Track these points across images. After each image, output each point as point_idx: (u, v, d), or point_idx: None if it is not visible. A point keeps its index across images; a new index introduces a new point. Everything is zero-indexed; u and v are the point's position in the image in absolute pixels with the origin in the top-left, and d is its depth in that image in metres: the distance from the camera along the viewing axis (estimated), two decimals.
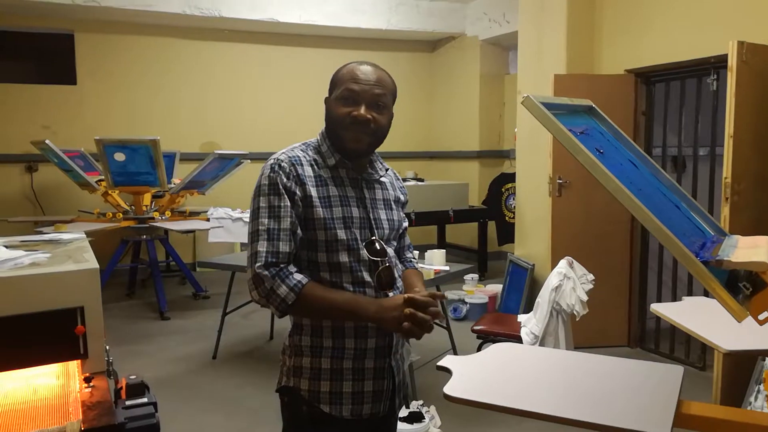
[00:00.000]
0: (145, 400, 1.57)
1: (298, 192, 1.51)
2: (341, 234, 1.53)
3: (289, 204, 1.50)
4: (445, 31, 7.98)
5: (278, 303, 1.47)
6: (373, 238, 1.58)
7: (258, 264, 1.47)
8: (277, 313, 1.50)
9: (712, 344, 1.85)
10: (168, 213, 6.17)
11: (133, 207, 6.02)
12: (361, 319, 1.52)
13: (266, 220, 1.49)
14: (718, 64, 3.88)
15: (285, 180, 1.51)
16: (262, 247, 1.48)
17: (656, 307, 2.25)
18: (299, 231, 1.52)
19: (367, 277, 1.56)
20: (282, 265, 1.48)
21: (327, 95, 1.63)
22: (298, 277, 1.49)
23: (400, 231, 1.74)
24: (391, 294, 1.58)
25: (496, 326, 3.82)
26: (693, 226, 1.54)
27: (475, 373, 1.66)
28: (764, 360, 2.96)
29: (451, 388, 1.54)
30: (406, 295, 1.48)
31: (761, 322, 1.30)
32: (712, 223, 1.61)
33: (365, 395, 1.57)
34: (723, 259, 1.27)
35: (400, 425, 2.94)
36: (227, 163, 6.13)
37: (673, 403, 1.44)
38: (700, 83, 4.22)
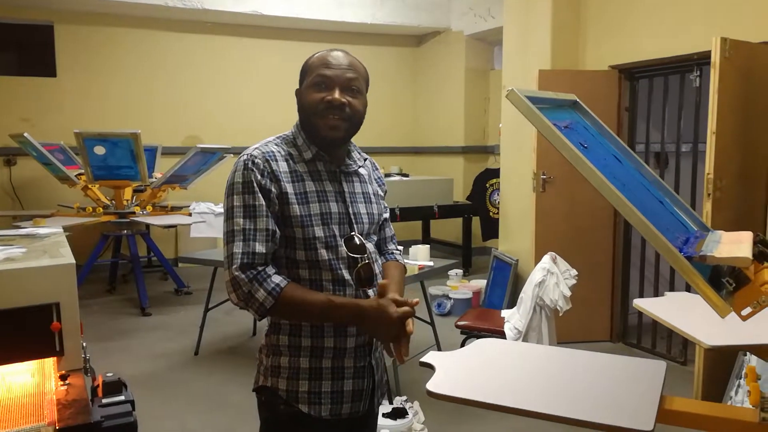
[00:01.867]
0: (122, 398, 1.53)
1: (273, 189, 1.47)
2: (319, 231, 1.49)
3: (264, 203, 1.45)
4: (431, 26, 7.95)
5: (257, 307, 1.43)
6: (353, 233, 1.54)
7: (234, 266, 1.43)
8: (257, 316, 1.46)
9: (694, 339, 1.85)
10: (149, 207, 6.09)
11: (113, 201, 5.94)
12: (339, 324, 1.51)
13: (241, 220, 1.45)
14: (701, 60, 3.90)
15: (259, 177, 1.46)
16: (238, 248, 1.43)
17: (639, 303, 2.25)
18: (277, 230, 1.47)
19: (346, 274, 1.52)
20: (260, 268, 1.43)
21: (298, 87, 1.59)
22: (277, 279, 1.44)
23: (380, 223, 1.70)
24: (370, 292, 1.56)
25: (479, 322, 3.82)
26: (676, 221, 1.54)
27: (458, 369, 1.65)
28: (745, 355, 2.98)
29: (434, 385, 1.53)
30: (389, 297, 1.46)
31: (744, 318, 1.30)
32: (696, 218, 1.61)
33: (344, 395, 1.54)
34: (707, 255, 1.26)
35: (383, 421, 2.92)
36: (209, 157, 6.07)
37: (656, 399, 1.44)
38: (683, 79, 4.24)
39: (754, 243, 1.37)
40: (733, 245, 1.34)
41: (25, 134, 5.57)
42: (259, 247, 1.44)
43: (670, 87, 4.38)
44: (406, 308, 1.47)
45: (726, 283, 1.29)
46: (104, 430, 1.43)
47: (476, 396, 1.49)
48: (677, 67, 4.22)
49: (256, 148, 1.52)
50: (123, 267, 6.71)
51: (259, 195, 1.45)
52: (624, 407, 1.42)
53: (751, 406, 1.41)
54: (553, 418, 1.37)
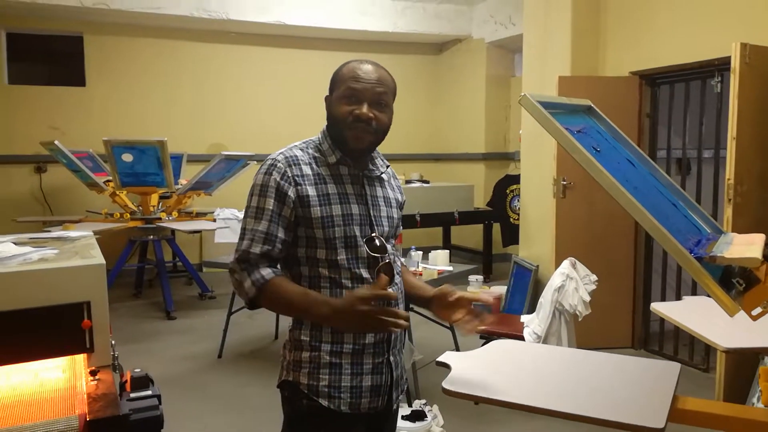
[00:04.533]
0: (149, 392, 1.59)
1: (290, 194, 1.54)
2: (339, 231, 1.56)
3: (273, 208, 1.54)
4: (452, 34, 8.00)
5: (244, 295, 1.56)
6: (373, 234, 1.60)
7: (233, 258, 1.57)
8: (246, 304, 1.58)
9: (710, 342, 1.87)
10: (175, 213, 6.21)
11: (140, 207, 6.07)
12: (315, 319, 1.55)
13: (252, 220, 1.56)
14: (722, 66, 3.89)
15: (279, 180, 1.54)
16: (242, 245, 1.56)
17: (656, 307, 2.26)
18: (281, 234, 1.54)
19: (365, 273, 1.58)
20: (253, 262, 1.54)
21: (327, 93, 1.65)
22: (264, 272, 1.53)
23: (397, 232, 1.75)
24: (390, 290, 1.60)
25: (499, 327, 3.83)
26: (690, 224, 1.56)
27: (473, 369, 1.69)
28: (762, 360, 2.96)
29: (449, 383, 1.56)
30: (359, 294, 1.45)
31: (755, 318, 1.32)
32: (710, 221, 1.63)
33: (363, 390, 1.59)
34: (716, 255, 1.29)
35: (403, 423, 2.96)
36: (234, 164, 6.18)
37: (668, 398, 1.46)
38: (704, 85, 4.23)
39: (766, 245, 1.39)
40: (744, 246, 1.36)
41: (56, 142, 5.73)
42: (256, 248, 1.54)
43: (691, 93, 4.37)
44: (370, 300, 1.43)
45: (736, 284, 1.31)
46: (132, 422, 1.49)
47: (491, 394, 1.52)
48: (698, 72, 4.21)
49: (281, 153, 1.60)
50: (149, 272, 6.84)
51: (271, 199, 1.54)
52: (636, 406, 1.44)
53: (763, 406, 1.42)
54: (566, 416, 1.40)
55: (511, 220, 7.02)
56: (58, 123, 6.95)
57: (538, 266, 5.07)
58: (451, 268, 4.12)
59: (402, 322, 1.44)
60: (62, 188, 6.98)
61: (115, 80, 7.21)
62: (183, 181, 6.45)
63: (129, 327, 5.27)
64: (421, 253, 4.15)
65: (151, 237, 6.06)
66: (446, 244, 7.53)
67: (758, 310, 1.32)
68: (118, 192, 5.90)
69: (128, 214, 6.04)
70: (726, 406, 1.46)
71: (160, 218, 6.01)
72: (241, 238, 1.57)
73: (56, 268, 1.74)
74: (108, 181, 5.95)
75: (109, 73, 7.19)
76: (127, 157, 5.52)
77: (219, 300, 6.13)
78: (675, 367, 1.67)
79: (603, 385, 1.58)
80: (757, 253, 1.29)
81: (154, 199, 6.11)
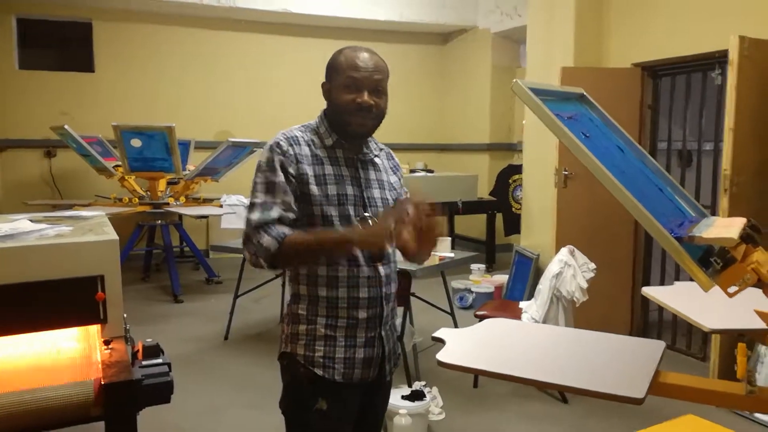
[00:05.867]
0: (160, 360, 1.68)
1: (291, 171, 1.64)
2: (334, 210, 1.66)
3: (281, 180, 1.63)
4: (457, 24, 8.05)
5: (263, 253, 1.59)
6: (366, 214, 1.70)
7: (248, 228, 1.62)
8: (266, 264, 1.61)
9: (696, 323, 1.94)
10: (182, 199, 6.31)
11: (148, 192, 6.17)
12: (338, 253, 1.63)
13: (262, 194, 1.63)
14: (723, 58, 3.93)
15: (282, 158, 1.64)
16: (256, 216, 1.61)
17: (647, 291, 2.33)
18: (293, 203, 1.63)
19: (358, 252, 1.67)
20: (270, 225, 1.60)
21: (324, 80, 1.73)
22: (284, 229, 1.60)
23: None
24: (381, 268, 1.71)
25: (498, 312, 3.91)
26: (674, 208, 1.63)
27: (467, 344, 1.77)
28: (759, 347, 3.04)
29: (444, 355, 1.65)
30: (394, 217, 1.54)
31: (731, 295, 1.40)
32: (695, 206, 1.70)
33: (356, 361, 1.69)
34: (695, 235, 1.36)
35: (402, 402, 3.05)
36: (240, 151, 6.26)
37: (650, 372, 1.54)
38: (705, 78, 4.28)
39: (745, 227, 1.46)
40: (723, 228, 1.44)
41: (66, 126, 5.83)
42: (274, 214, 1.61)
43: (692, 85, 4.42)
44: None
45: (713, 263, 1.39)
46: (144, 387, 1.58)
47: (483, 366, 1.60)
48: (699, 65, 4.26)
49: (282, 133, 1.70)
50: (156, 256, 6.95)
51: (280, 173, 1.63)
52: (621, 378, 1.52)
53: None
54: (554, 386, 1.49)
55: (514, 209, 7.09)
56: (68, 108, 7.05)
57: (538, 255, 5.15)
58: (452, 255, 4.20)
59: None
60: (71, 173, 7.09)
61: (123, 66, 7.29)
62: (191, 167, 6.54)
63: (137, 309, 5.38)
64: None
65: (159, 222, 6.16)
66: (450, 233, 7.60)
67: (734, 288, 1.39)
68: (126, 177, 6.01)
69: (137, 199, 6.14)
70: (703, 380, 1.54)
71: (167, 203, 6.11)
72: (255, 210, 1.62)
73: (72, 242, 1.83)
74: (117, 165, 6.05)
75: (118, 60, 7.28)
76: (136, 143, 5.61)
77: (225, 284, 6.23)
78: (659, 345, 1.74)
79: (590, 360, 1.66)
80: (734, 234, 1.37)
81: (162, 184, 6.20)
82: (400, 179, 1.87)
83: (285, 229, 1.61)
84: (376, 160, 1.80)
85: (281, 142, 1.66)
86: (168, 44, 7.45)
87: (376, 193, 1.75)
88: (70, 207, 5.65)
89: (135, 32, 7.31)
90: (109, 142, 6.37)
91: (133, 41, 7.32)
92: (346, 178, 1.70)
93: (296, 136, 1.69)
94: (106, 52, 7.24)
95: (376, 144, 1.83)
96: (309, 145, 1.69)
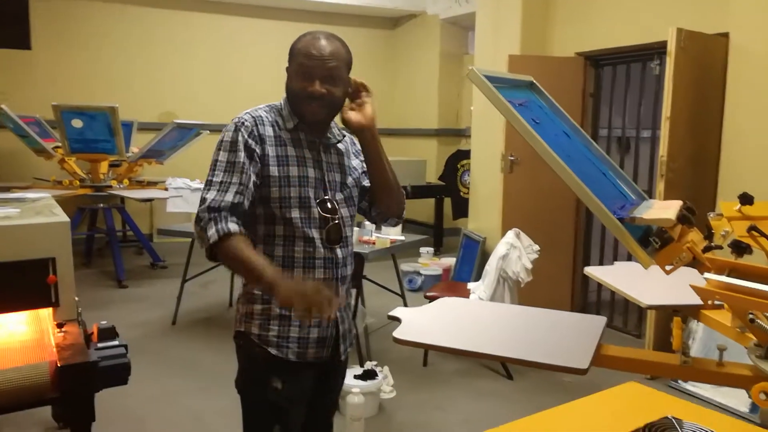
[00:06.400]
0: (116, 342, 1.68)
1: (257, 150, 1.64)
2: (294, 192, 1.66)
3: (245, 161, 1.61)
4: (406, 9, 8.08)
5: (206, 242, 1.56)
6: (326, 197, 1.72)
7: (201, 207, 1.59)
8: (206, 254, 1.60)
9: (633, 299, 2.06)
10: (126, 182, 6.15)
11: (89, 175, 5.98)
12: (261, 280, 1.55)
13: (221, 173, 1.61)
14: (661, 49, 4.10)
15: (246, 137, 1.63)
16: (211, 195, 1.59)
17: (590, 270, 2.46)
18: (251, 187, 1.62)
19: (315, 233, 1.68)
20: (223, 212, 1.58)
21: (287, 64, 1.73)
22: (231, 226, 1.56)
23: (363, 190, 1.87)
24: (338, 250, 1.72)
25: (447, 292, 4.00)
26: (616, 191, 1.73)
27: (422, 321, 1.84)
28: (691, 323, 3.23)
29: (400, 333, 1.70)
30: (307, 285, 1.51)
31: (668, 272, 1.50)
32: (636, 189, 1.81)
33: (310, 341, 1.71)
34: (636, 216, 1.46)
35: (355, 381, 3.11)
36: (186, 133, 6.14)
37: (593, 345, 1.64)
38: (644, 68, 4.46)
39: (681, 209, 1.57)
40: (661, 210, 1.54)
41: (2, 106, 5.58)
42: (228, 197, 1.58)
43: (632, 75, 4.60)
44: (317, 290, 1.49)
45: (652, 242, 1.49)
46: (101, 369, 1.58)
47: (437, 342, 1.67)
48: (639, 55, 4.44)
49: (247, 112, 1.69)
50: (98, 241, 6.77)
51: (242, 153, 1.62)
52: (565, 350, 1.62)
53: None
54: (503, 359, 1.57)
55: (462, 194, 7.22)
56: (2, 87, 6.74)
57: (485, 238, 5.28)
58: (403, 238, 4.27)
59: (330, 314, 1.49)
60: (8, 154, 6.80)
61: (62, 44, 7.02)
62: (134, 149, 6.37)
63: (80, 295, 5.19)
64: (374, 225, 4.27)
65: (101, 205, 6.00)
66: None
67: (671, 266, 1.50)
68: (67, 159, 5.81)
69: (77, 182, 5.96)
70: (642, 352, 1.66)
71: (110, 186, 5.95)
72: (212, 189, 1.59)
73: (22, 224, 1.80)
74: (57, 147, 5.85)
75: (56, 37, 6.99)
76: (77, 123, 5.43)
77: (171, 270, 6.13)
78: (601, 320, 1.85)
79: (537, 334, 1.75)
80: (671, 215, 1.47)
81: (104, 166, 6.03)
82: (362, 163, 1.89)
83: (233, 224, 1.57)
84: (339, 146, 1.82)
85: (247, 122, 1.65)
86: (111, 21, 7.20)
87: (337, 177, 1.77)
88: (7, 190, 5.43)
89: (75, 8, 7.04)
90: (47, 122, 6.14)
91: (73, 18, 7.04)
92: (308, 160, 1.71)
93: (261, 116, 1.68)
94: (44, 29, 6.95)
95: (338, 130, 1.84)
96: (273, 126, 1.69)
